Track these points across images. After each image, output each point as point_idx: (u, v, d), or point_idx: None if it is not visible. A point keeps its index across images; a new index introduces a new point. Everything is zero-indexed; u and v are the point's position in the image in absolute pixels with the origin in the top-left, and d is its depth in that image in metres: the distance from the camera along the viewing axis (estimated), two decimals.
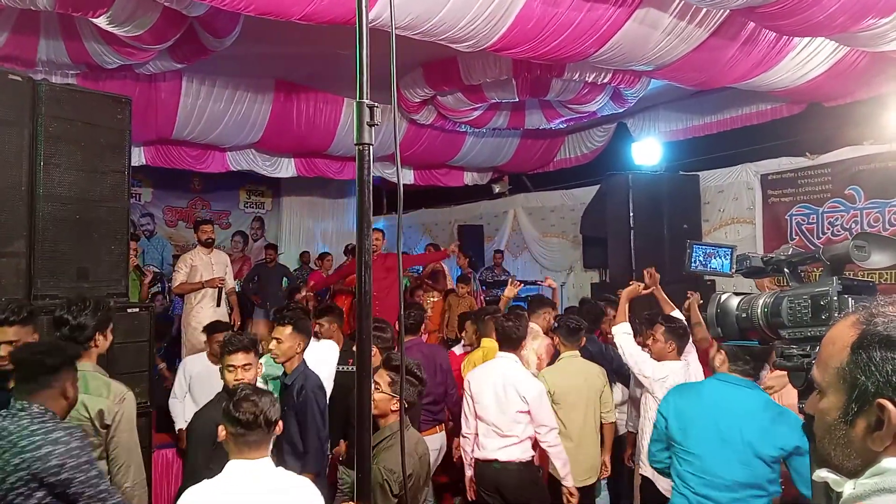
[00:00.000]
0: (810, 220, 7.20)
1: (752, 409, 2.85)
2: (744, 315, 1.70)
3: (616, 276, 7.86)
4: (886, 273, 6.49)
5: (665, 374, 3.95)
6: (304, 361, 3.81)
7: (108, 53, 5.97)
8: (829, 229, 7.01)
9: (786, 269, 1.70)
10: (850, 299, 1.45)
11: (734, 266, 2.00)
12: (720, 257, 2.14)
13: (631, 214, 7.41)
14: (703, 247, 2.23)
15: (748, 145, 7.97)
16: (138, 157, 8.53)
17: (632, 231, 7.41)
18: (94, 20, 5.07)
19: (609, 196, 7.93)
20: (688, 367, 4.10)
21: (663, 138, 8.76)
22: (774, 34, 5.47)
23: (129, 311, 3.98)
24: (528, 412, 3.91)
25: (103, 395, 2.95)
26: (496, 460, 3.92)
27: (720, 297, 1.78)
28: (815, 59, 5.87)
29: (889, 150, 6.52)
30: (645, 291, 4.50)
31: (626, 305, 4.38)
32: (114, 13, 4.96)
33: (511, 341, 4.07)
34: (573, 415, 4.30)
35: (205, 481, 2.40)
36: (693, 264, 2.21)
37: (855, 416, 1.03)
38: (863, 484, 0.99)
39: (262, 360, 4.11)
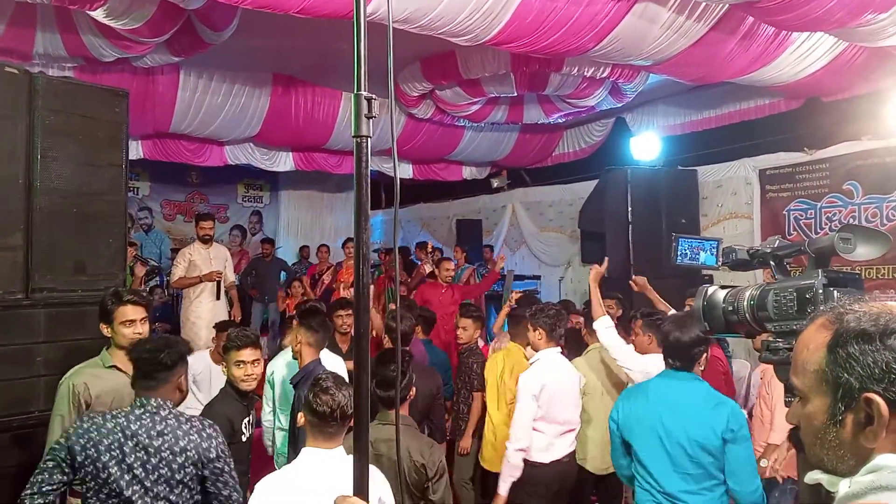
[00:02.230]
0: (808, 216, 7.21)
1: (692, 401, 2.92)
2: (730, 308, 1.69)
3: (614, 270, 7.86)
4: (883, 268, 6.50)
5: (647, 366, 3.95)
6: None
7: (106, 46, 5.95)
8: (826, 224, 7.01)
9: (771, 262, 1.69)
10: (835, 292, 1.44)
11: (720, 259, 2.00)
12: (706, 250, 2.14)
13: (629, 209, 7.40)
14: (689, 240, 2.23)
15: (746, 140, 7.96)
16: (136, 150, 8.52)
17: (630, 226, 7.40)
18: (91, 13, 5.05)
19: (607, 191, 7.91)
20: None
21: (662, 133, 8.74)
22: (773, 29, 5.46)
23: None
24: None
25: None
26: (569, 454, 4.01)
27: (707, 291, 1.77)
28: (813, 54, 5.86)
29: (887, 145, 6.52)
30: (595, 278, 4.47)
31: (598, 293, 4.29)
32: (111, 6, 4.94)
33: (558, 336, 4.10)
34: (600, 405, 4.37)
35: (279, 470, 2.57)
36: (679, 258, 2.21)
37: (843, 416, 1.02)
38: (858, 482, 0.97)
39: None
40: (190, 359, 5.43)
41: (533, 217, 10.94)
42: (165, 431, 2.56)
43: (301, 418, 2.58)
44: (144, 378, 2.64)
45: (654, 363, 3.94)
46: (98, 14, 5.04)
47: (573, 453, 4.07)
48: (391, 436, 3.03)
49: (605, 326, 4.10)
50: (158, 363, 2.64)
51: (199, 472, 2.59)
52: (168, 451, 2.53)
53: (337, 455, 2.51)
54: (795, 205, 7.32)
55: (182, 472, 2.55)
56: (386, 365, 3.13)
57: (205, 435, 2.62)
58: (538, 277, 10.33)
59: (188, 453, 2.55)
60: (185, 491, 2.57)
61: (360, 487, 1.39)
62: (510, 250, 11.25)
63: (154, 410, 2.58)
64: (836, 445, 1.03)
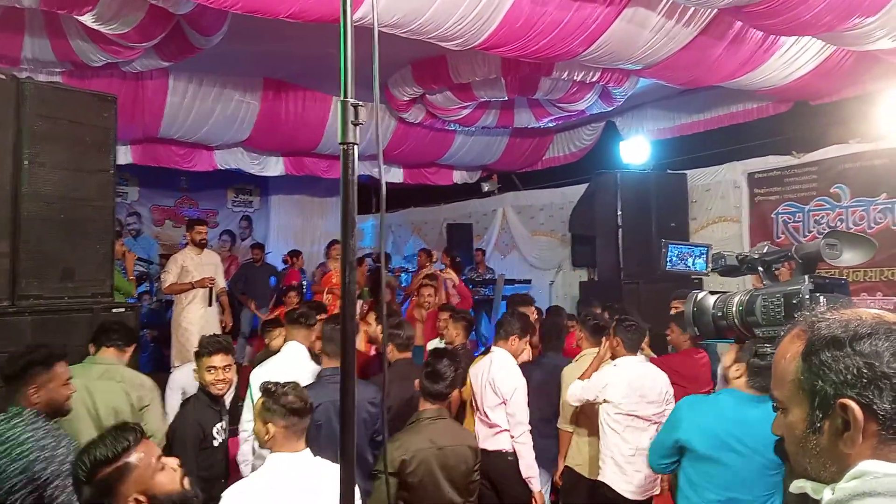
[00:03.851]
0: (796, 219, 7.25)
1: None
2: (720, 314, 1.71)
3: (604, 274, 7.89)
4: (871, 271, 6.53)
5: (601, 383, 4.04)
6: None
7: (94, 51, 5.91)
8: (814, 227, 7.05)
9: (760, 268, 1.71)
10: (821, 297, 1.46)
11: (710, 265, 2.02)
12: (695, 256, 2.16)
13: (619, 213, 7.44)
14: (678, 246, 2.24)
15: (735, 144, 8.01)
16: (125, 155, 8.47)
17: (620, 229, 7.43)
18: (80, 18, 5.02)
19: (597, 194, 7.95)
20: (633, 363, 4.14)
21: (651, 137, 8.79)
22: (761, 33, 5.50)
23: (113, 310, 3.96)
24: (504, 404, 4.11)
25: None
26: (485, 449, 4.02)
27: (696, 296, 1.80)
28: (801, 57, 5.90)
29: (874, 148, 6.57)
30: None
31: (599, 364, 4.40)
32: (99, 11, 4.91)
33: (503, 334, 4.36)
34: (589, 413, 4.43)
35: (247, 478, 2.58)
36: (669, 264, 2.22)
37: (821, 423, 1.03)
38: (842, 488, 0.98)
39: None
40: (177, 374, 5.46)
41: (523, 221, 10.95)
42: (11, 437, 2.61)
43: (266, 433, 2.51)
44: (4, 386, 2.80)
45: (609, 374, 4.08)
46: (87, 19, 5.01)
47: (504, 454, 4.11)
48: (448, 429, 3.32)
49: (574, 394, 4.18)
50: (6, 373, 2.78)
51: (36, 480, 2.56)
52: (6, 458, 2.56)
53: (305, 458, 2.54)
54: (784, 208, 7.37)
55: (21, 475, 2.54)
56: (440, 359, 3.33)
57: (38, 446, 2.63)
58: (529, 281, 10.33)
59: (22, 459, 2.57)
60: (28, 497, 2.56)
61: (346, 493, 1.37)
62: (501, 254, 11.26)
63: (9, 417, 2.67)
64: (817, 453, 1.05)
